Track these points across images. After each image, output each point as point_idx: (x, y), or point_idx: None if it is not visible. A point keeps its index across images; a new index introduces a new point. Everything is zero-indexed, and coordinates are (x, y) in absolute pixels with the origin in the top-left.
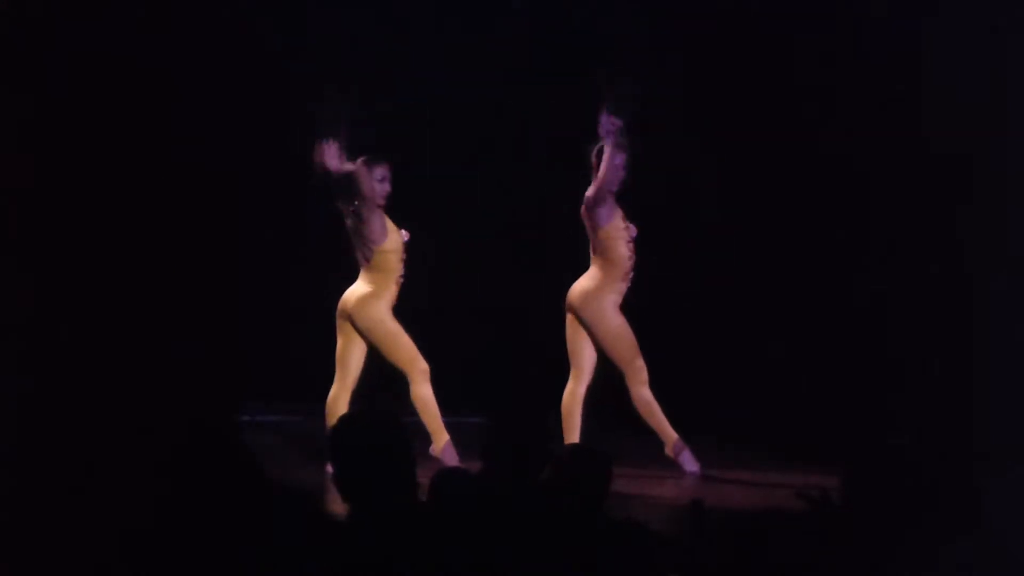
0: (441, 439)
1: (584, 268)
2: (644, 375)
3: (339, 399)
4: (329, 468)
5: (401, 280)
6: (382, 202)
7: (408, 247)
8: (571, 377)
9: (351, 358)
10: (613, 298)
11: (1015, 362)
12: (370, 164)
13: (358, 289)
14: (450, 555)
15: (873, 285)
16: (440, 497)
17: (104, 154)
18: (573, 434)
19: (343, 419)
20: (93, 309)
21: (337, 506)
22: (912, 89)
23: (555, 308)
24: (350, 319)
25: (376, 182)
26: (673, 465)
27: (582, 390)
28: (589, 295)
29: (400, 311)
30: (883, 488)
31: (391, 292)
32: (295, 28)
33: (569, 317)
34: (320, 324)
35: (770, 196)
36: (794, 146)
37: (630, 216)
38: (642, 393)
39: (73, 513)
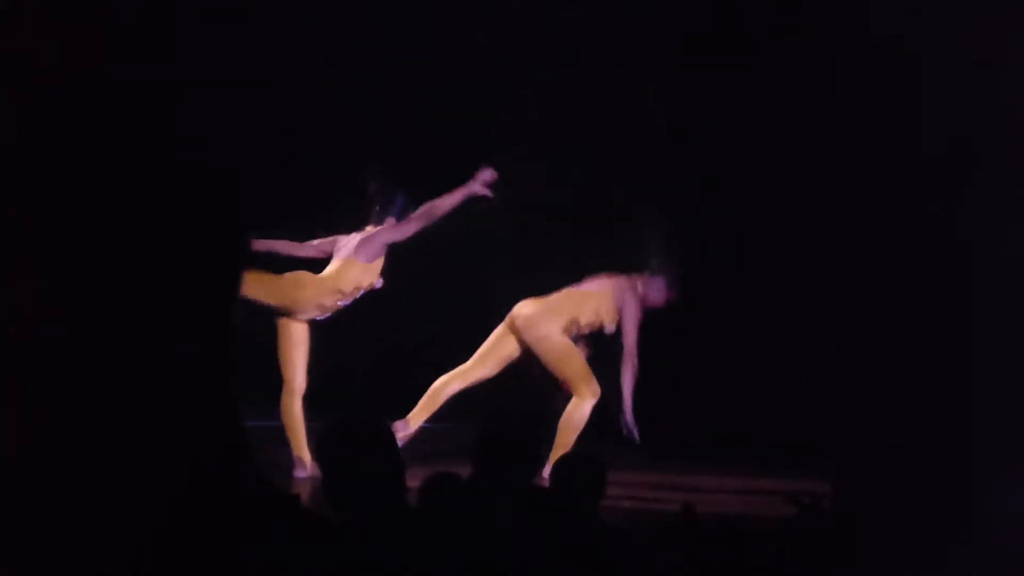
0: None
1: (577, 276)
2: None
3: (292, 405)
4: (303, 473)
5: (328, 311)
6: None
7: (366, 295)
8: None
9: (295, 360)
10: None
11: (1014, 367)
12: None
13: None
14: (440, 560)
15: (870, 289)
16: (430, 502)
17: (104, 155)
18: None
19: (330, 426)
20: (93, 312)
21: (326, 511)
22: (910, 90)
23: None
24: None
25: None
26: (666, 471)
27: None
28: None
29: (390, 317)
30: (875, 494)
31: (322, 300)
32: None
33: None
34: (313, 330)
35: (766, 199)
36: (791, 148)
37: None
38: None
39: (74, 515)
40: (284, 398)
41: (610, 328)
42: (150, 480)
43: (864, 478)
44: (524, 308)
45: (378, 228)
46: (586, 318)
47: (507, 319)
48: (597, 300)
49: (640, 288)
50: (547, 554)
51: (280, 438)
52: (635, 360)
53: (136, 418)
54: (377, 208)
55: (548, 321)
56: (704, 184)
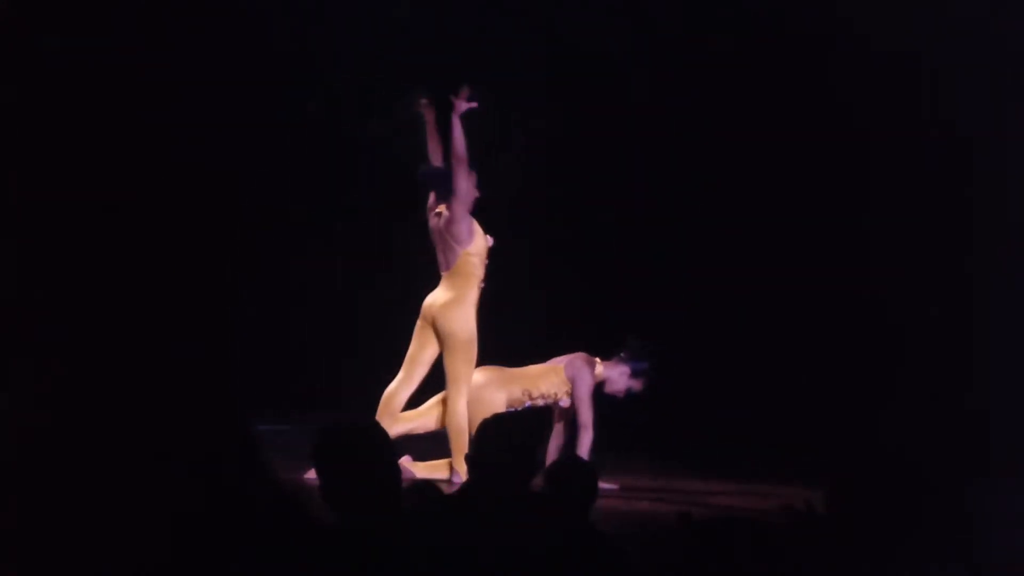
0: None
1: (577, 280)
2: None
3: (398, 395)
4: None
5: (482, 285)
6: (472, 206)
7: (491, 253)
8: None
9: (422, 359)
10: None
11: (1012, 371)
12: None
13: (445, 294)
14: (434, 562)
15: (868, 292)
16: (417, 507)
17: (104, 155)
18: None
19: (326, 430)
20: (94, 312)
21: (323, 514)
22: (909, 99)
23: (540, 318)
24: (434, 322)
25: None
26: (660, 478)
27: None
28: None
29: (384, 320)
30: (871, 497)
31: (475, 296)
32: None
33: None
34: (307, 334)
35: (767, 204)
36: (790, 151)
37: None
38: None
39: (76, 515)
40: (396, 385)
41: (565, 401)
42: (151, 479)
43: (860, 481)
44: (479, 375)
45: (448, 207)
46: (538, 391)
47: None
48: (551, 374)
49: (600, 368)
50: (539, 558)
51: (284, 440)
52: (590, 433)
53: (138, 416)
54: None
55: (498, 391)
56: (704, 186)
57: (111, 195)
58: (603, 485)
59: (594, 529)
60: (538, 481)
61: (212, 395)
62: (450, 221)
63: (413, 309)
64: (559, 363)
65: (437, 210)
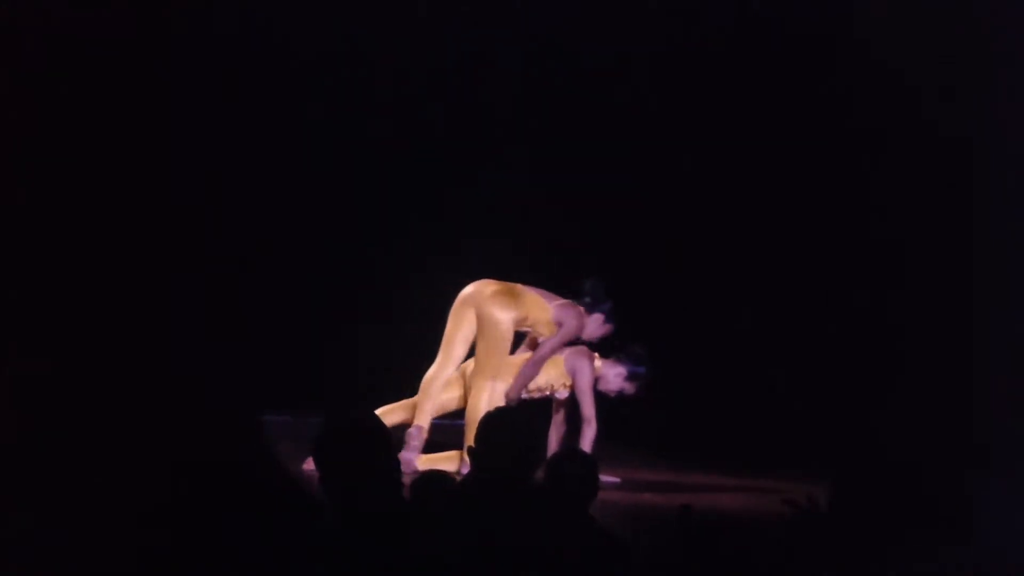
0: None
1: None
2: None
3: (438, 378)
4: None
5: (516, 331)
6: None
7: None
8: None
9: (459, 338)
10: None
11: (1011, 371)
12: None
13: (501, 287)
14: (434, 554)
15: (867, 292)
16: (423, 499)
17: (106, 159)
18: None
19: (326, 423)
20: (105, 307)
21: (323, 505)
22: (908, 100)
23: None
24: (478, 305)
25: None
26: (662, 472)
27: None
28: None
29: (385, 312)
30: (873, 495)
31: (516, 316)
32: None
33: None
34: (308, 330)
35: (762, 205)
36: (789, 153)
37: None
38: None
39: (84, 506)
40: (435, 369)
41: (562, 393)
42: (156, 468)
43: (862, 479)
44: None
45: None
46: (535, 383)
47: (463, 367)
48: (549, 367)
49: (597, 363)
50: (540, 550)
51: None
52: (594, 426)
53: (142, 405)
54: (587, 300)
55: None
56: (706, 185)
57: (113, 194)
58: (604, 478)
59: (595, 522)
60: (539, 474)
61: (218, 386)
62: (564, 323)
63: (421, 302)
64: (558, 355)
65: (581, 308)
